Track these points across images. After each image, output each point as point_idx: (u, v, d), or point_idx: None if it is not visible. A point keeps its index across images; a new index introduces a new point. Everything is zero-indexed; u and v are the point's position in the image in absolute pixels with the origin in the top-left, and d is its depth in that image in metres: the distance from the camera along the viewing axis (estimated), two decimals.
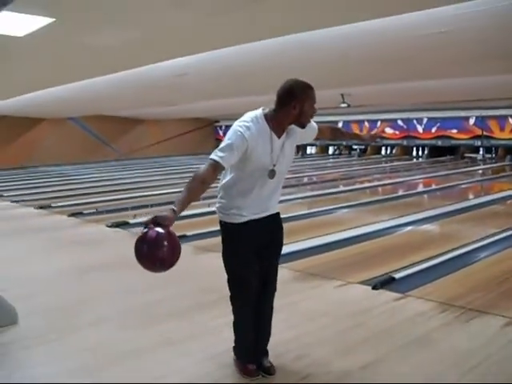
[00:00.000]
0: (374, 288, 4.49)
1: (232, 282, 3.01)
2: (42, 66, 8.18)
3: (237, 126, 2.83)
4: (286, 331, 3.58)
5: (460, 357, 3.23)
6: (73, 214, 8.62)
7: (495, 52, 7.72)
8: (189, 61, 7.94)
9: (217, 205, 3.02)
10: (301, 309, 4.09)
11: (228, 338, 3.15)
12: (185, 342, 3.48)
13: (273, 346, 3.15)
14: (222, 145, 2.80)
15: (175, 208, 2.52)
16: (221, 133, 25.97)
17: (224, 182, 2.98)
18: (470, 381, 2.94)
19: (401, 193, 11.13)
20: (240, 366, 3.06)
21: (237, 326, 3.07)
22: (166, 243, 2.50)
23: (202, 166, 2.74)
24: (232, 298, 3.03)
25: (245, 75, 9.71)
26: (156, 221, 2.48)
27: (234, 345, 3.13)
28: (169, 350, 3.39)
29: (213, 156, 2.76)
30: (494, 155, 19.27)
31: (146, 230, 2.48)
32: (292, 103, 2.82)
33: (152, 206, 9.31)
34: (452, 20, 6.09)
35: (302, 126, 2.92)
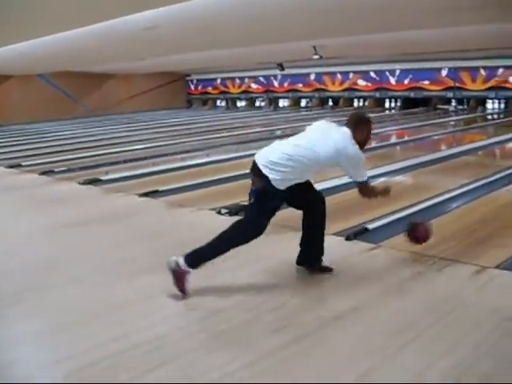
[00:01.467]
0: (348, 239, 4.54)
1: None
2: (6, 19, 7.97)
3: (354, 147, 3.52)
4: (259, 283, 3.62)
5: (434, 303, 3.30)
6: (44, 173, 8.50)
7: (466, 3, 7.70)
8: (158, 13, 7.77)
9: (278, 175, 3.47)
10: (275, 260, 4.12)
11: (205, 289, 3.17)
12: (163, 296, 3.49)
13: (247, 299, 3.18)
14: (360, 166, 3.59)
15: None
16: (192, 87, 25.65)
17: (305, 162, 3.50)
18: (444, 325, 3.02)
19: (374, 144, 11.15)
20: None
21: None
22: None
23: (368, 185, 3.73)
24: None
25: (215, 27, 9.54)
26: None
27: None
28: (147, 304, 3.41)
29: (365, 179, 3.65)
30: (465, 106, 19.38)
31: None
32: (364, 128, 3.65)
33: (125, 161, 9.25)
34: None
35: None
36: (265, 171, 3.49)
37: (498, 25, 9.98)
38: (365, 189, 3.71)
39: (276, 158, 3.51)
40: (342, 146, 3.52)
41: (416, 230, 4.04)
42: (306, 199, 3.75)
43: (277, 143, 3.71)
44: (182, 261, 3.39)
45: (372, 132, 3.75)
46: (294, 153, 3.50)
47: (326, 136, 3.60)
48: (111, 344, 2.89)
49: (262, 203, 3.56)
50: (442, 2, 7.70)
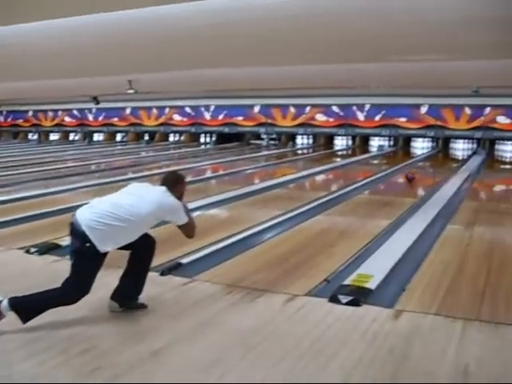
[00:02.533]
0: (162, 274, 4.49)
1: None
2: None
3: (172, 198, 3.65)
4: (70, 325, 3.45)
5: (247, 334, 3.35)
6: None
7: (273, 44, 8.14)
8: None
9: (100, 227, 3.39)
10: (89, 301, 3.95)
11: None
12: None
13: (55, 341, 3.01)
14: (181, 212, 3.68)
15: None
16: (1, 118, 24.34)
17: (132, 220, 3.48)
18: (257, 355, 3.07)
19: (189, 179, 11.26)
20: None
21: None
22: None
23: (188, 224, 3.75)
24: None
25: (23, 59, 9.16)
26: None
27: None
28: None
29: (186, 220, 3.71)
30: (277, 142, 20.34)
31: None
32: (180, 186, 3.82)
33: None
34: (225, 13, 6.30)
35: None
36: (86, 231, 3.37)
37: (298, 66, 10.66)
38: (187, 227, 3.77)
39: (96, 216, 3.41)
40: (163, 200, 3.61)
41: None
42: (137, 242, 3.66)
43: (97, 201, 3.62)
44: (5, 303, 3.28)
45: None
46: (115, 211, 3.43)
47: (143, 194, 3.65)
48: None
49: (83, 265, 3.43)
50: (251, 43, 8.05)
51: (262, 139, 20.82)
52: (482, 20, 6.51)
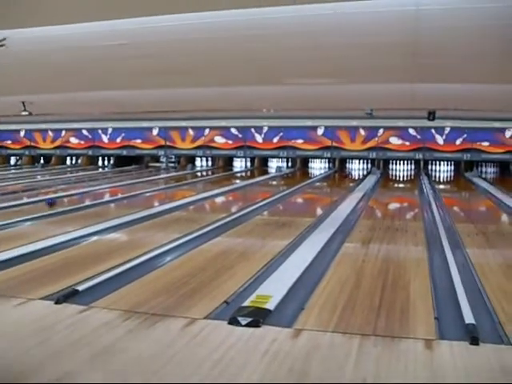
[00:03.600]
0: (57, 302, 4.32)
1: None
2: None
3: None
4: None
5: (146, 361, 3.27)
6: None
7: (179, 67, 8.15)
8: None
9: None
10: None
11: None
12: None
13: None
14: None
15: None
16: None
17: None
18: (155, 382, 3.00)
19: (87, 203, 11.00)
20: None
21: None
22: None
23: None
24: None
25: None
26: None
27: None
28: None
29: None
30: (176, 164, 20.30)
31: None
32: None
33: None
34: (123, 34, 6.25)
35: None
36: None
37: (197, 89, 10.71)
38: None
39: None
40: None
41: None
42: None
43: None
44: None
45: None
46: None
47: None
48: None
49: None
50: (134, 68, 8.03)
51: (161, 162, 20.70)
52: (376, 45, 6.79)
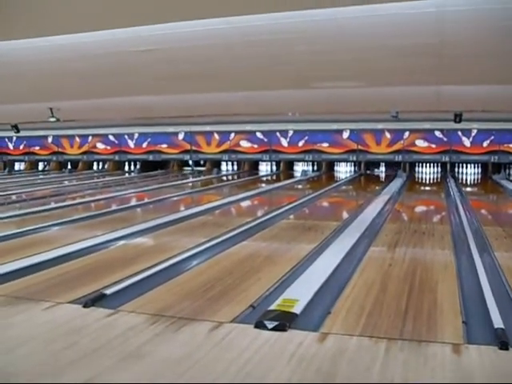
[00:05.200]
0: (85, 306, 4.37)
1: None
2: None
3: None
4: None
5: (173, 363, 3.29)
6: None
7: (205, 72, 8.20)
8: None
9: None
10: (3, 337, 3.80)
11: None
12: None
13: None
14: None
15: None
16: None
17: None
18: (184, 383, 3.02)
19: (114, 207, 11.11)
20: None
21: None
22: None
23: None
24: None
25: None
26: None
27: None
28: None
29: None
30: (203, 168, 20.41)
31: None
32: None
33: None
34: (147, 40, 6.30)
35: None
36: None
37: (222, 94, 10.77)
38: None
39: None
40: None
41: None
42: None
43: None
44: None
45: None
46: None
47: None
48: None
49: None
50: (160, 72, 8.09)
51: (189, 166, 20.82)
52: (401, 47, 6.77)
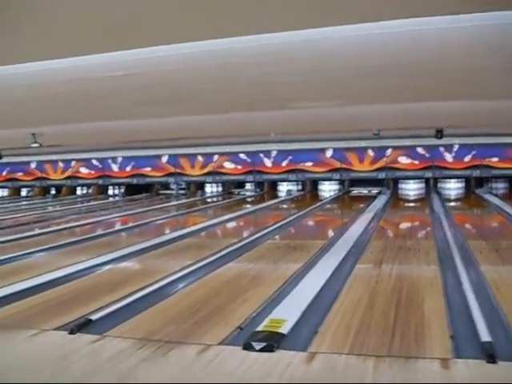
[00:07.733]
0: (71, 332, 4.33)
1: None
2: None
3: None
4: None
5: None
6: None
7: (183, 96, 8.23)
8: None
9: None
10: None
11: None
12: None
13: None
14: None
15: None
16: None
17: None
18: None
19: (99, 232, 11.04)
20: None
21: None
22: None
23: None
24: None
25: None
26: None
27: None
28: None
29: None
30: (186, 191, 20.40)
31: None
32: None
33: None
34: (135, 64, 6.31)
35: None
36: None
37: (203, 116, 10.81)
38: None
39: None
40: None
41: None
42: None
43: None
44: None
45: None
46: None
47: None
48: None
49: None
50: (140, 97, 8.11)
51: (171, 189, 20.79)
52: (377, 67, 6.83)
